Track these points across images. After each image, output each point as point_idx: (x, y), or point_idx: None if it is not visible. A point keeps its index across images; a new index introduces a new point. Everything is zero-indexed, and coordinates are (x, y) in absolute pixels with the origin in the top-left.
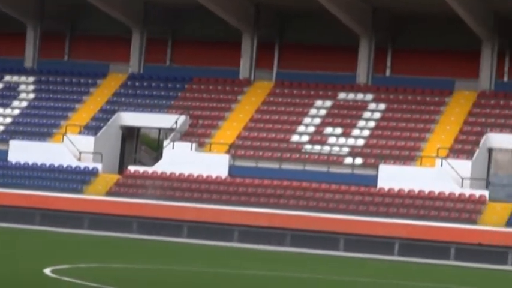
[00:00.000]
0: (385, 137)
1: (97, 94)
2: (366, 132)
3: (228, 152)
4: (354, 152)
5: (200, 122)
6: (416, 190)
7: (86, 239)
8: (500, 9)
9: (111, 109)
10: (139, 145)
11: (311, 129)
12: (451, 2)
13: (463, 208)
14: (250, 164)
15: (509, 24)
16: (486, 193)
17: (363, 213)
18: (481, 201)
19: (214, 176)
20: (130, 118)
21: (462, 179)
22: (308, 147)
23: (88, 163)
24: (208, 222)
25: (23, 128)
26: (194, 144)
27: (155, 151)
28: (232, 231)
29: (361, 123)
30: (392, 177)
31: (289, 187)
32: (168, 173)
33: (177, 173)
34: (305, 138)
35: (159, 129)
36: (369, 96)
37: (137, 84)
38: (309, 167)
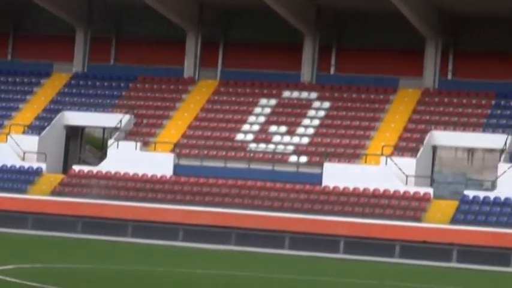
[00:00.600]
0: (329, 135)
1: (41, 93)
2: (311, 131)
3: (172, 151)
4: (298, 151)
5: (145, 121)
6: (361, 188)
7: (30, 239)
8: (444, 8)
9: (55, 108)
10: (83, 144)
11: (256, 127)
12: (395, 0)
13: (408, 206)
14: (195, 163)
15: (453, 23)
16: (431, 191)
17: (308, 212)
18: (425, 198)
19: (159, 175)
20: (74, 117)
21: (407, 176)
22: (253, 145)
23: (32, 163)
24: (153, 222)
25: None
26: (139, 144)
27: (100, 150)
28: (177, 230)
29: (306, 121)
30: (337, 175)
31: (234, 186)
32: (113, 172)
33: (122, 172)
34: (250, 136)
35: (104, 129)
36: (314, 95)
37: (81, 83)
38: (254, 166)
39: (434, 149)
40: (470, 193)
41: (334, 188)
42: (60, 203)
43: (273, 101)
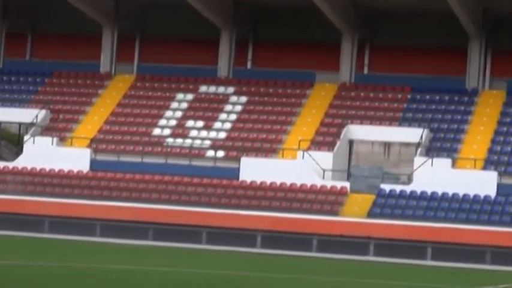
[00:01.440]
0: (246, 130)
1: None
2: (228, 125)
3: (89, 146)
4: (215, 145)
5: (61, 116)
6: (278, 182)
7: None
8: (360, 2)
9: None
10: None
11: (173, 122)
12: None
13: (325, 200)
14: (112, 158)
15: (369, 17)
16: (347, 185)
17: (225, 206)
18: (342, 192)
19: (75, 170)
20: None
21: (324, 170)
22: (170, 140)
23: None
24: (70, 217)
25: None
26: (55, 139)
27: (15, 146)
28: (94, 225)
29: (223, 116)
30: (255, 169)
31: (152, 181)
32: (29, 168)
33: (38, 168)
34: (167, 131)
35: (20, 124)
36: (231, 89)
37: None
38: (171, 161)
39: (351, 143)
40: (386, 187)
41: (252, 182)
42: None
43: (189, 96)
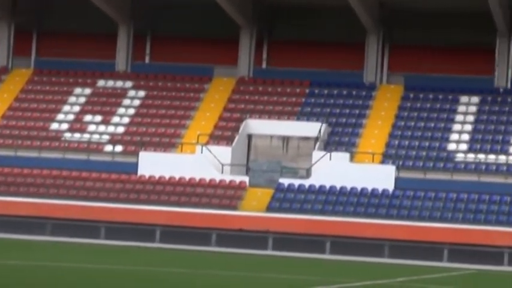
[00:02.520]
0: (145, 124)
1: None
2: (126, 120)
3: None
4: (114, 140)
5: None
6: (177, 177)
7: None
8: None
9: None
10: None
11: (70, 117)
12: None
13: (224, 194)
14: (9, 153)
15: (267, 12)
16: (246, 179)
17: (124, 201)
18: (241, 187)
19: None
20: None
21: (222, 165)
22: (68, 135)
23: None
24: None
25: None
26: None
27: None
28: None
29: (121, 110)
30: (153, 164)
31: (49, 176)
32: None
33: None
34: (65, 126)
35: None
36: (129, 84)
37: None
38: (69, 155)
39: (250, 137)
40: (285, 181)
41: (150, 177)
42: None
43: (87, 90)
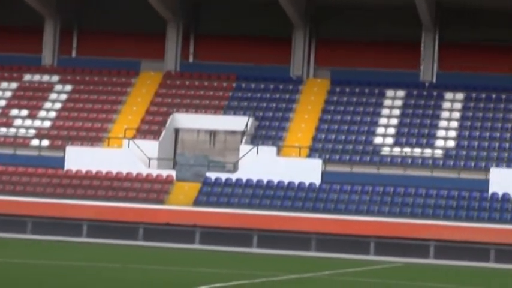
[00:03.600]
0: (72, 119)
1: None
2: (53, 114)
3: None
4: (40, 134)
5: None
6: (104, 171)
7: None
8: None
9: None
10: None
11: None
12: None
13: (151, 188)
14: None
15: (194, 6)
16: (173, 173)
17: (50, 196)
18: (168, 181)
19: None
20: None
21: (149, 159)
22: None
23: None
24: None
25: None
26: None
27: None
28: None
29: (48, 105)
30: (80, 158)
31: None
32: None
33: None
34: None
35: None
36: (55, 78)
37: None
38: None
39: (177, 131)
40: (212, 175)
41: (77, 171)
42: None
43: (13, 85)
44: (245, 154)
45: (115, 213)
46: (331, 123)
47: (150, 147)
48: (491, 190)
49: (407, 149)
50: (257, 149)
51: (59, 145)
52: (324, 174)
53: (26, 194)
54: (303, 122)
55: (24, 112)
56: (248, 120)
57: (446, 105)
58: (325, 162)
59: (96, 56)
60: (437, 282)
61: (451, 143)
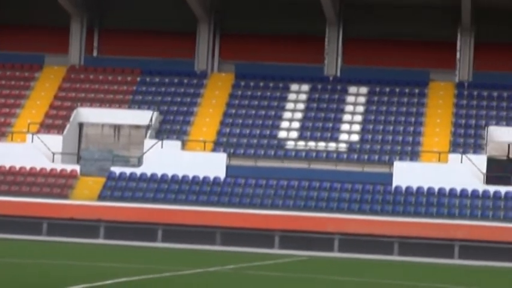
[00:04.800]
0: None
1: None
2: None
3: None
4: None
5: None
6: (8, 166)
7: None
8: None
9: None
10: None
11: None
12: None
13: (55, 183)
14: None
15: (98, 0)
16: (77, 168)
17: None
18: (72, 175)
19: None
20: None
21: (53, 154)
22: None
23: None
24: None
25: None
26: None
27: None
28: None
29: None
30: None
31: None
32: None
33: None
34: None
35: None
36: None
37: None
38: None
39: (81, 126)
40: (117, 169)
41: None
42: None
43: None
44: (150, 148)
45: (19, 208)
46: (236, 117)
47: (54, 141)
48: (394, 183)
49: (311, 143)
50: (162, 143)
51: None
52: (228, 168)
53: None
54: (208, 116)
55: None
56: (153, 114)
57: (350, 99)
58: (229, 156)
59: (0, 51)
60: (341, 276)
61: (355, 137)
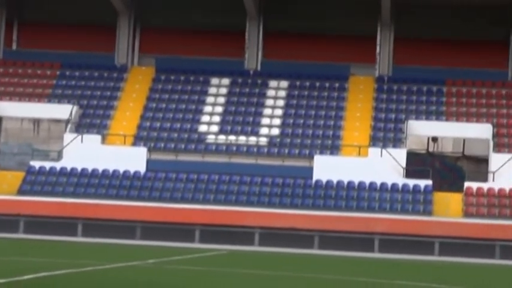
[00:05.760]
0: None
1: None
2: None
3: None
4: None
5: None
6: None
7: None
8: None
9: None
10: None
11: None
12: None
13: None
14: None
15: None
16: None
17: None
18: None
19: None
20: None
21: None
22: None
23: None
24: None
25: None
26: None
27: None
28: None
29: None
30: None
31: None
32: None
33: None
34: None
35: None
36: None
37: None
38: None
39: (0, 120)
40: (36, 164)
41: None
42: None
43: None
44: (69, 142)
45: None
46: (156, 111)
47: None
48: (315, 177)
49: (232, 137)
50: (81, 137)
51: None
52: (149, 162)
53: None
54: (128, 110)
55: None
56: (72, 108)
57: (271, 93)
58: (150, 150)
59: None
60: (261, 269)
61: (276, 131)
